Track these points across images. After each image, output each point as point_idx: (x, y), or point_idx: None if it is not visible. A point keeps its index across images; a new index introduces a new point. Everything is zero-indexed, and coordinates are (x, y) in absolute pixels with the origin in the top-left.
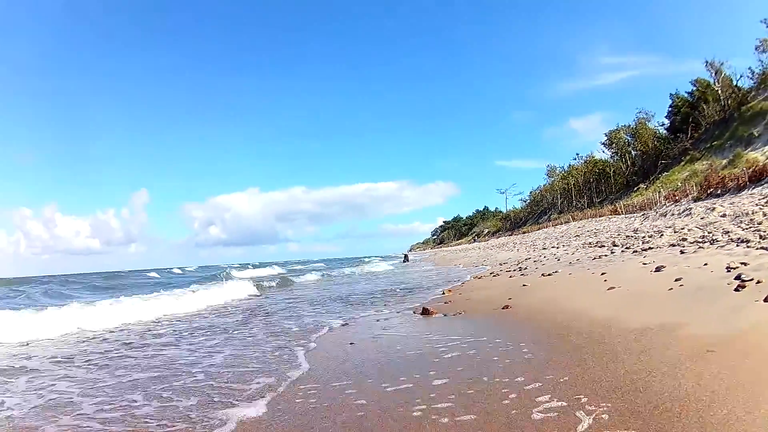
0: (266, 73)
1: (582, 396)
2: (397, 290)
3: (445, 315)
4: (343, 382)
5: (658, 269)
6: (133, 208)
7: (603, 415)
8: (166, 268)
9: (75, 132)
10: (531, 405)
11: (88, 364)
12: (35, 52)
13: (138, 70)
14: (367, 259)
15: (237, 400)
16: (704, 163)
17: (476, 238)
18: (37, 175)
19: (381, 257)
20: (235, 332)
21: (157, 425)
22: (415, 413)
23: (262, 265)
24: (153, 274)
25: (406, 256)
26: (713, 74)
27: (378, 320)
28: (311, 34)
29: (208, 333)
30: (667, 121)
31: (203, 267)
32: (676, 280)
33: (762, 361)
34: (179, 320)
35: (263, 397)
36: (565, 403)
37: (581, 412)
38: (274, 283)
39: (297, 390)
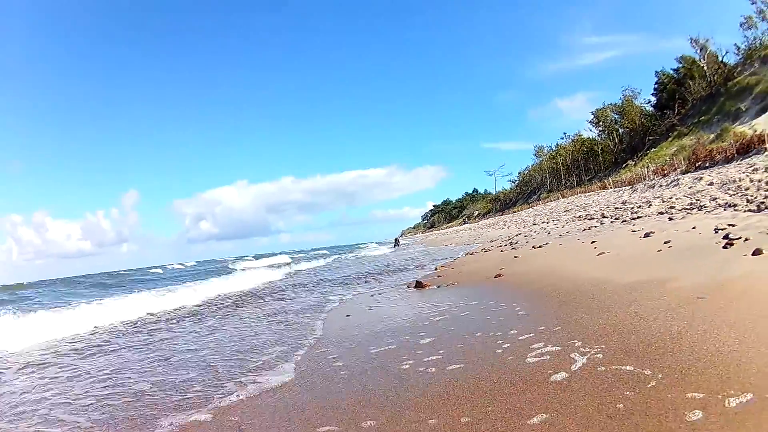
0: (248, 65)
1: (575, 341)
2: (393, 269)
3: (438, 287)
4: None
5: (647, 235)
6: (123, 208)
7: (597, 355)
8: (163, 265)
9: (61, 136)
10: (525, 351)
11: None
12: (20, 58)
13: (121, 71)
14: (363, 245)
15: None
16: (692, 138)
17: (467, 220)
18: (25, 181)
19: (378, 243)
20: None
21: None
22: (404, 366)
23: (259, 257)
24: (157, 270)
25: (396, 240)
26: (698, 51)
27: (372, 295)
28: (292, 23)
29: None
30: (653, 98)
31: (202, 261)
32: (665, 242)
33: (750, 303)
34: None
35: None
36: (559, 348)
37: (575, 353)
38: (295, 268)
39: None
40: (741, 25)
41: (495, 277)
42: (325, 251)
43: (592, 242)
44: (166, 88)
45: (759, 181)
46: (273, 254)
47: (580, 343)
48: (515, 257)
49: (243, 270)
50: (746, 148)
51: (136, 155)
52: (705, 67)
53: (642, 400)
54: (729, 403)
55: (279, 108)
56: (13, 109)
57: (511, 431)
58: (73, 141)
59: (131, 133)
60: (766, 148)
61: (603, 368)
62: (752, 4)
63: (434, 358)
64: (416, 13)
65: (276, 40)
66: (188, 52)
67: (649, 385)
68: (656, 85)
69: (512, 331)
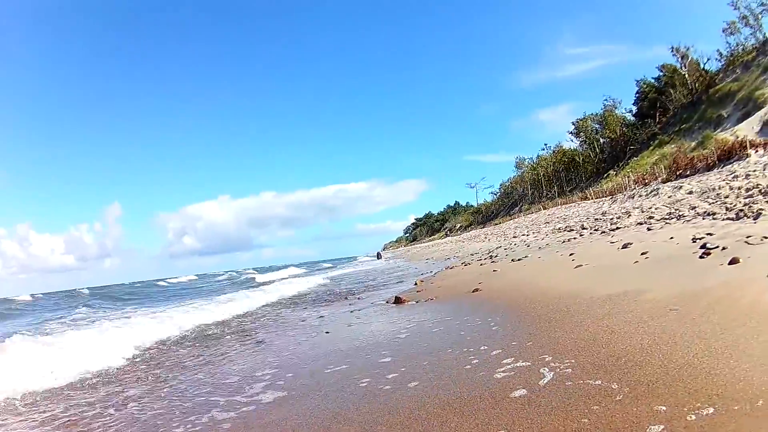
0: (230, 80)
1: (546, 356)
2: (370, 284)
3: (417, 302)
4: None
5: (625, 246)
6: (106, 222)
7: (566, 370)
8: (162, 279)
9: (45, 148)
10: (495, 367)
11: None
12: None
13: (106, 83)
14: (351, 258)
15: None
16: (673, 146)
17: (449, 233)
18: (8, 193)
19: (368, 255)
20: None
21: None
22: (362, 384)
23: (262, 270)
24: (161, 283)
25: (378, 254)
26: (680, 59)
27: (352, 311)
28: (274, 37)
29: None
30: (634, 108)
31: (201, 275)
32: (642, 253)
33: (722, 313)
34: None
35: None
36: (528, 363)
37: (545, 368)
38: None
39: None
40: (723, 31)
41: (473, 291)
42: (328, 264)
43: (570, 254)
44: (150, 100)
45: (738, 188)
46: (280, 267)
47: (550, 358)
48: (494, 271)
49: (268, 282)
50: (728, 155)
51: (119, 168)
52: (686, 75)
53: (607, 415)
54: (692, 417)
55: (261, 123)
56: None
57: None
58: (57, 153)
59: (115, 145)
60: (747, 155)
61: (571, 383)
62: (734, 9)
63: (405, 374)
64: (398, 25)
65: (258, 55)
66: (173, 65)
67: (616, 399)
68: (637, 94)
69: (483, 347)
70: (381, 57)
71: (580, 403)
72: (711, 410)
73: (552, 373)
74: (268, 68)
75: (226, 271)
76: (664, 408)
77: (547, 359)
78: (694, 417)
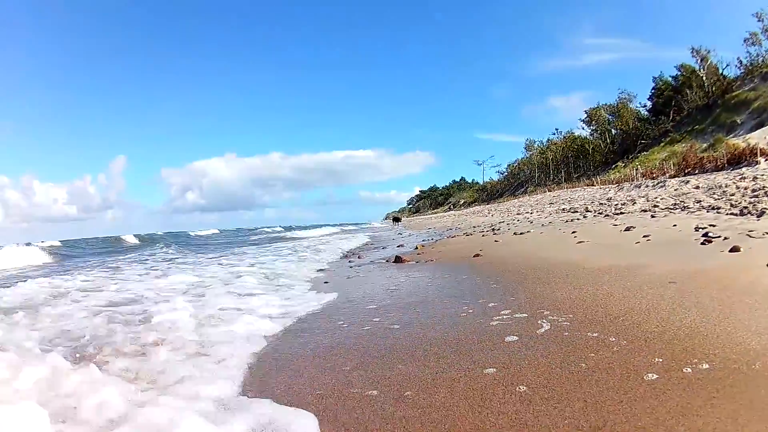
0: (244, 41)
1: (545, 310)
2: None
3: (417, 262)
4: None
5: (627, 229)
6: (110, 174)
7: (564, 323)
8: (184, 231)
9: (52, 98)
10: (492, 316)
11: None
12: (13, 23)
13: (117, 37)
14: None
15: None
16: (684, 145)
17: (452, 207)
18: (14, 142)
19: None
20: None
21: None
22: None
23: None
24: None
25: (395, 218)
26: (699, 61)
27: (351, 267)
28: (287, 3)
29: None
30: (649, 103)
31: (224, 231)
32: (645, 236)
33: (721, 289)
34: None
35: None
36: (526, 315)
37: (543, 320)
38: None
39: None
40: (745, 41)
41: (474, 256)
42: (352, 226)
43: (573, 232)
44: (160, 56)
45: (745, 188)
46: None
47: (548, 312)
48: (495, 241)
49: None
50: (737, 160)
51: (127, 120)
52: (704, 78)
53: (605, 361)
54: (688, 369)
55: (272, 84)
56: (7, 69)
57: (469, 377)
58: (65, 102)
59: (123, 97)
60: (757, 161)
61: (568, 334)
62: (758, 21)
63: (404, 317)
64: (419, 4)
65: (278, 16)
66: (189, 26)
67: (613, 350)
68: (653, 90)
69: (481, 300)
70: (400, 32)
71: (578, 350)
72: (707, 366)
73: (549, 324)
74: (285, 29)
75: (254, 228)
76: (660, 360)
77: (545, 313)
78: (689, 370)
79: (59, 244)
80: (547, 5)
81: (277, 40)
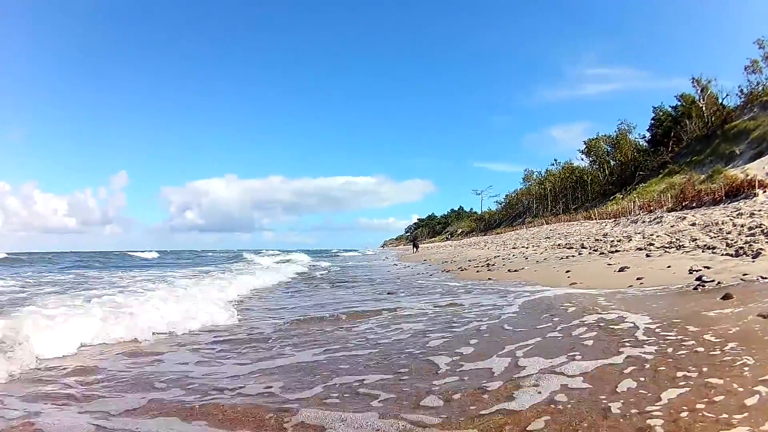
0: (248, 63)
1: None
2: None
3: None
4: None
5: (622, 269)
6: (111, 189)
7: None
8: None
9: (59, 110)
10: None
11: None
12: (19, 30)
13: (124, 53)
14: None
15: None
16: (683, 176)
17: (449, 237)
18: (19, 149)
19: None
20: None
21: None
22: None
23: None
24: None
25: (414, 243)
26: (699, 91)
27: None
28: (294, 21)
29: None
30: (648, 134)
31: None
32: (638, 278)
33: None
34: None
35: None
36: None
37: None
38: None
39: None
40: (746, 69)
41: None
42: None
43: (567, 271)
44: (166, 74)
45: (742, 225)
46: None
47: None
48: (489, 279)
49: None
50: (735, 192)
51: (131, 136)
52: (703, 108)
53: None
54: None
55: (276, 106)
56: (20, 77)
57: None
58: (72, 114)
59: (130, 112)
60: (755, 194)
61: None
62: (759, 48)
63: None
64: (420, 31)
65: (277, 40)
66: (190, 43)
67: None
68: (652, 121)
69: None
70: (402, 59)
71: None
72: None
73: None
74: (290, 54)
75: (212, 251)
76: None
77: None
78: None
79: None
80: (550, 35)
81: (284, 65)
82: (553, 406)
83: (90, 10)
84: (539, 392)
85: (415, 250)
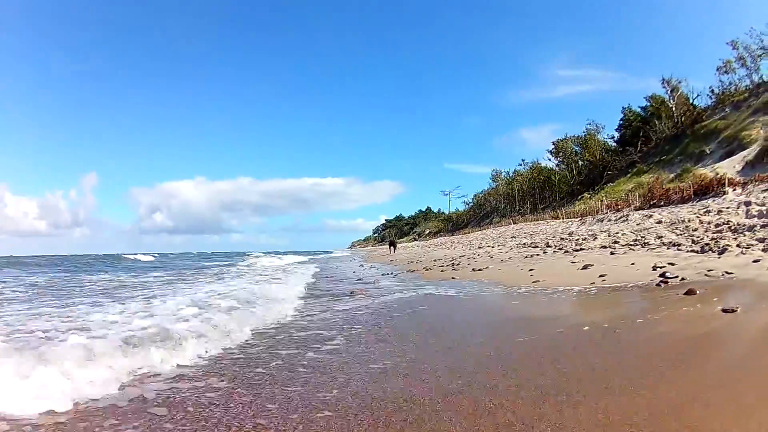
0: (217, 63)
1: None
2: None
3: (371, 296)
4: None
5: (585, 267)
6: (81, 191)
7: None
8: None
9: (29, 109)
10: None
11: None
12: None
13: (92, 54)
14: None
15: None
16: (651, 176)
17: (417, 237)
18: None
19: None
20: None
21: None
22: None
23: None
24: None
25: (392, 242)
26: (669, 91)
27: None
28: (262, 27)
29: None
30: (617, 134)
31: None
32: (600, 276)
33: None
34: None
35: None
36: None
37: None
38: None
39: None
40: (718, 69)
41: (426, 295)
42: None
43: (530, 270)
44: (135, 73)
45: (709, 223)
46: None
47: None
48: (453, 278)
49: None
50: (705, 190)
51: (101, 136)
52: (673, 108)
53: None
54: None
55: (246, 107)
56: None
57: None
58: (40, 113)
59: (100, 111)
60: (725, 192)
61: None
62: (733, 49)
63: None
64: (393, 31)
65: (244, 40)
66: (158, 43)
67: None
68: (621, 121)
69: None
70: (373, 60)
71: None
72: None
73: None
74: (252, 57)
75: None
76: None
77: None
78: None
79: None
80: (522, 37)
81: (253, 66)
82: None
83: (55, 7)
84: None
85: (393, 250)
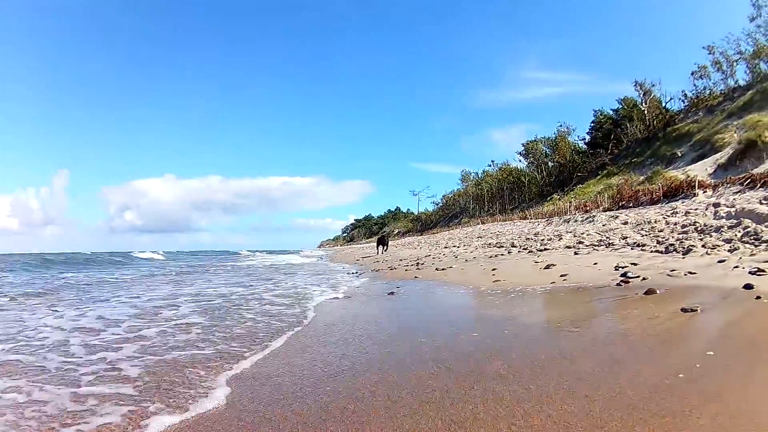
0: (187, 62)
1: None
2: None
3: (336, 298)
4: None
5: (548, 267)
6: (53, 188)
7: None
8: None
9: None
10: None
11: None
12: None
13: (62, 51)
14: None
15: None
16: (621, 178)
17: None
18: None
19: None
20: None
21: None
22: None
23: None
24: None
25: (383, 238)
26: (642, 95)
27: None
28: (232, 29)
29: None
30: (588, 137)
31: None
32: (562, 275)
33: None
34: None
35: None
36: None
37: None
38: None
39: None
40: (693, 74)
41: (389, 294)
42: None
43: (493, 269)
44: (108, 70)
45: (675, 224)
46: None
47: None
48: (416, 277)
49: None
50: (674, 192)
51: (72, 132)
52: (645, 111)
53: None
54: None
55: (215, 105)
56: None
57: None
58: (11, 109)
59: (72, 108)
60: (695, 194)
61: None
62: (709, 54)
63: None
64: (363, 31)
65: (214, 39)
66: (127, 39)
67: None
68: (592, 124)
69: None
70: (343, 60)
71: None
72: None
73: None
74: (225, 56)
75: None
76: None
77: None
78: None
79: None
80: (493, 38)
81: (223, 65)
82: None
83: (26, 2)
84: None
85: (384, 249)
